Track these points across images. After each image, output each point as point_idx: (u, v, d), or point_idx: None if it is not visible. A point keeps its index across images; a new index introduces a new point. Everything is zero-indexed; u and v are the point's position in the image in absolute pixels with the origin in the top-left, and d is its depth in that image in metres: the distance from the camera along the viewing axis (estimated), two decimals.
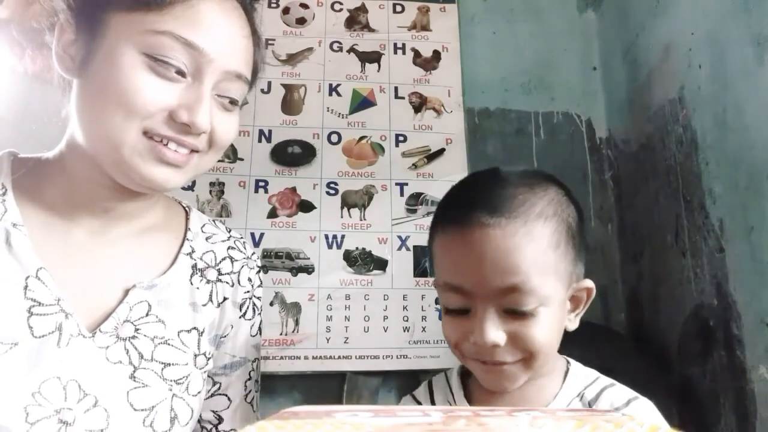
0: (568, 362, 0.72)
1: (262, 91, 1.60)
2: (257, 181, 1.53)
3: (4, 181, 0.65)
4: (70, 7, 0.63)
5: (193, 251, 0.75)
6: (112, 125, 0.60)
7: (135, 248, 0.70)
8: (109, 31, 0.61)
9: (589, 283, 0.69)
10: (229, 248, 0.79)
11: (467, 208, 0.67)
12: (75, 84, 0.64)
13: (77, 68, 0.63)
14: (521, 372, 0.64)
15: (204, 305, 0.74)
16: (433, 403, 0.73)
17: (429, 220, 1.54)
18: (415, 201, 1.55)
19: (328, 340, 1.42)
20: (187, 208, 0.80)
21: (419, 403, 0.74)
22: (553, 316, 0.64)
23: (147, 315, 0.68)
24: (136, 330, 0.66)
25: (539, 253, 0.63)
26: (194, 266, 0.74)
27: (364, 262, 1.49)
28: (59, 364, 0.61)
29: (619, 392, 0.68)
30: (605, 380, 0.70)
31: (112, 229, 0.69)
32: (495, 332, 0.61)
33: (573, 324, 0.69)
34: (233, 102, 0.67)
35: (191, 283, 0.73)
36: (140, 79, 0.59)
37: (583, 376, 0.71)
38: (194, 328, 0.72)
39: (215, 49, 0.62)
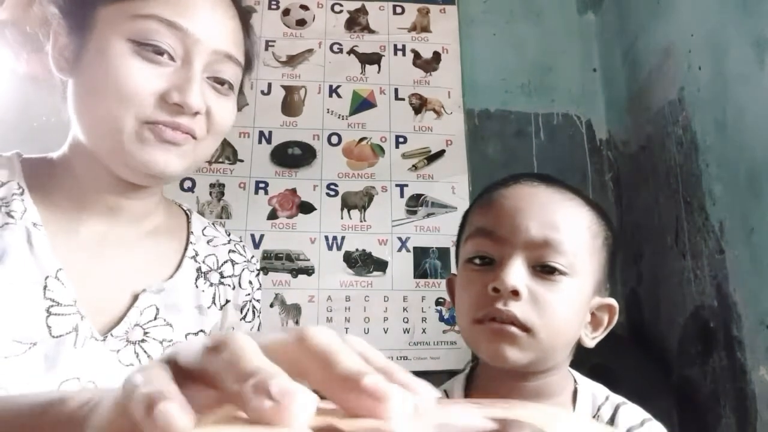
0: (575, 381, 0.69)
1: (263, 92, 1.60)
2: (257, 183, 1.53)
3: (20, 182, 0.65)
4: (62, 12, 0.64)
5: (196, 254, 0.75)
6: (107, 115, 0.60)
7: (141, 252, 0.70)
8: (97, 25, 0.62)
9: (613, 302, 0.66)
10: (230, 251, 0.80)
11: (514, 177, 0.68)
12: (70, 83, 0.65)
13: (71, 67, 0.64)
14: (526, 344, 0.59)
15: (208, 308, 0.74)
16: None
17: (429, 221, 1.57)
18: (416, 202, 1.55)
19: None
20: (187, 212, 0.80)
21: None
22: (575, 296, 0.61)
23: (155, 318, 0.68)
24: (146, 333, 0.67)
25: (579, 226, 0.63)
26: (198, 269, 0.75)
27: (364, 263, 1.49)
28: (77, 365, 0.61)
29: (634, 411, 0.65)
30: (616, 398, 0.67)
31: (117, 232, 0.69)
32: (518, 278, 0.59)
33: (589, 341, 0.66)
34: (227, 86, 0.67)
35: (196, 286, 0.74)
36: (128, 65, 0.60)
37: (593, 395, 0.67)
38: (201, 330, 0.73)
39: (201, 29, 0.62)
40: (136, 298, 0.67)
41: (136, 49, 0.60)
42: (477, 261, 0.64)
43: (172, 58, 0.62)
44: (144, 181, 0.66)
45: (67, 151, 0.68)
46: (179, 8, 0.62)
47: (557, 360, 0.64)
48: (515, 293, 0.59)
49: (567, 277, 0.60)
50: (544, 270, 0.60)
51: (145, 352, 0.66)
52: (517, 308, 0.59)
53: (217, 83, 0.66)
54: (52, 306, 0.60)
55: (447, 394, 0.71)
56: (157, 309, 0.68)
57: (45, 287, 0.61)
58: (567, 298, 0.60)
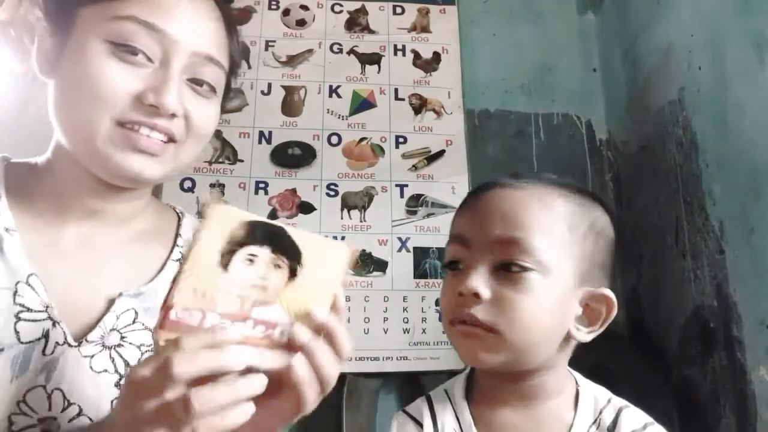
0: (577, 383, 0.69)
1: (263, 92, 1.60)
2: (257, 183, 1.53)
3: None
4: (45, 14, 0.64)
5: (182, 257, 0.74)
6: (83, 117, 0.60)
7: (123, 255, 0.69)
8: (77, 26, 0.62)
9: (608, 293, 0.64)
10: None
11: (493, 180, 0.69)
12: (50, 85, 0.64)
13: (51, 68, 0.64)
14: (494, 344, 0.61)
15: None
16: (434, 419, 0.68)
17: (429, 221, 1.57)
18: (415, 202, 1.55)
19: None
20: (180, 214, 0.79)
21: (416, 420, 0.69)
22: (549, 294, 0.61)
23: (134, 323, 0.66)
24: (122, 338, 0.65)
25: (550, 220, 0.63)
26: None
27: (364, 263, 1.49)
28: (44, 372, 0.60)
29: (636, 415, 0.65)
30: (618, 401, 0.67)
31: (100, 236, 0.68)
32: (479, 281, 0.61)
33: (583, 336, 0.65)
34: (208, 89, 0.66)
35: None
36: (104, 66, 0.59)
37: (595, 397, 0.67)
38: None
39: (179, 30, 0.62)
40: (113, 302, 0.66)
41: (113, 50, 0.60)
42: (451, 266, 0.66)
43: (149, 60, 0.61)
44: (123, 183, 0.65)
45: (50, 154, 0.67)
46: (158, 9, 0.61)
47: (541, 357, 0.63)
48: (476, 296, 0.61)
49: (534, 273, 0.61)
50: (508, 269, 0.61)
51: (121, 357, 0.64)
52: (479, 311, 0.61)
53: (197, 85, 0.65)
54: (21, 311, 0.59)
55: (447, 394, 0.71)
56: (136, 313, 0.67)
57: (15, 293, 0.60)
58: (535, 295, 0.60)
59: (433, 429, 0.67)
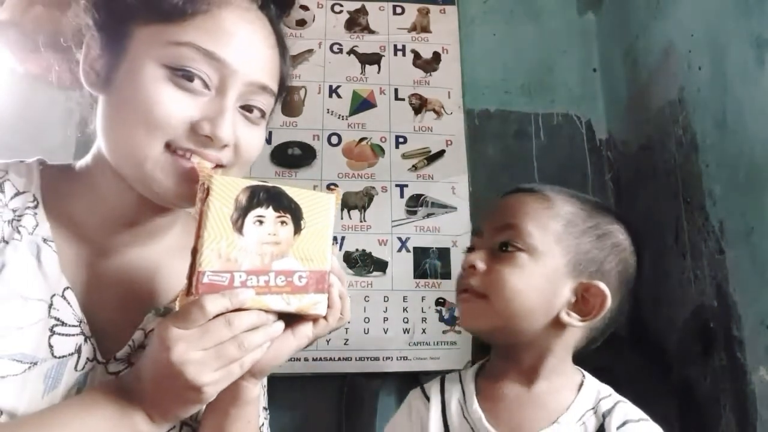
0: (583, 375, 0.75)
1: None
2: None
3: (35, 193, 0.63)
4: (96, 24, 0.63)
5: None
6: (134, 140, 0.59)
7: (155, 271, 0.69)
8: (132, 45, 0.60)
9: (602, 285, 0.72)
10: None
11: (518, 187, 0.82)
12: (100, 99, 0.63)
13: (102, 84, 0.62)
14: (482, 308, 0.71)
15: None
16: (443, 397, 0.78)
17: (429, 221, 1.57)
18: (415, 202, 1.55)
19: (327, 341, 1.42)
20: None
21: (427, 398, 0.79)
22: (535, 273, 0.70)
23: None
24: None
25: (548, 214, 0.73)
26: None
27: (364, 263, 1.49)
28: (75, 388, 0.60)
29: (633, 409, 0.70)
30: (619, 397, 0.73)
31: (133, 250, 0.68)
32: (477, 257, 0.74)
33: (574, 322, 0.72)
34: (259, 115, 0.66)
35: None
36: (161, 92, 0.58)
37: (598, 390, 0.73)
38: None
39: (238, 59, 0.61)
40: (142, 318, 0.66)
41: (171, 76, 0.59)
42: (467, 251, 0.79)
43: (206, 87, 0.60)
44: (166, 204, 0.64)
45: (91, 162, 0.66)
46: (217, 36, 0.60)
47: (528, 329, 0.71)
48: (473, 268, 0.73)
49: (524, 254, 0.71)
50: (503, 248, 0.73)
51: None
52: (474, 279, 0.73)
53: (248, 112, 0.64)
54: (56, 325, 0.59)
55: (460, 375, 0.81)
56: None
57: (50, 305, 0.59)
58: (522, 271, 0.70)
59: (440, 400, 0.77)
